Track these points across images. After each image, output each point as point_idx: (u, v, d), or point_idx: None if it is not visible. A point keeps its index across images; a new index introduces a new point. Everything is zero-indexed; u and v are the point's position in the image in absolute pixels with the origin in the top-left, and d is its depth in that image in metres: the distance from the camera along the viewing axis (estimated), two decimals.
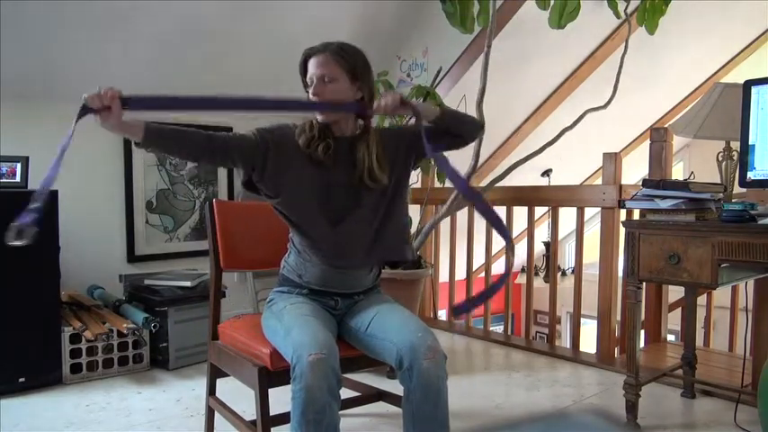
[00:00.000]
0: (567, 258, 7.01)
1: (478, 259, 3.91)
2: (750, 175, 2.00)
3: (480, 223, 3.59)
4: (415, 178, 3.64)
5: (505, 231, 1.57)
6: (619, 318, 3.14)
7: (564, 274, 6.30)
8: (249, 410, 1.82)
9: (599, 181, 3.92)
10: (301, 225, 1.69)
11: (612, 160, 2.98)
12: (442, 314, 4.06)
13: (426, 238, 3.05)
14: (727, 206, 1.93)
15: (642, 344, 2.98)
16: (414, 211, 3.43)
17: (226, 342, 1.87)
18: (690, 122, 2.35)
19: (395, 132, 1.84)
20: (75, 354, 2.69)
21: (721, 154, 2.29)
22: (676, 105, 5.35)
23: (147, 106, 1.53)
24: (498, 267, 4.55)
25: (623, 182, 2.97)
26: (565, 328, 6.85)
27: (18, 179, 2.67)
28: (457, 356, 3.20)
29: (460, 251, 3.76)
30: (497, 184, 3.10)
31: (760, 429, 1.84)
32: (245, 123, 3.84)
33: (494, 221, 1.55)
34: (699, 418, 2.34)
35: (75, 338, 2.68)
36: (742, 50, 4.98)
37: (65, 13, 2.73)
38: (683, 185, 1.99)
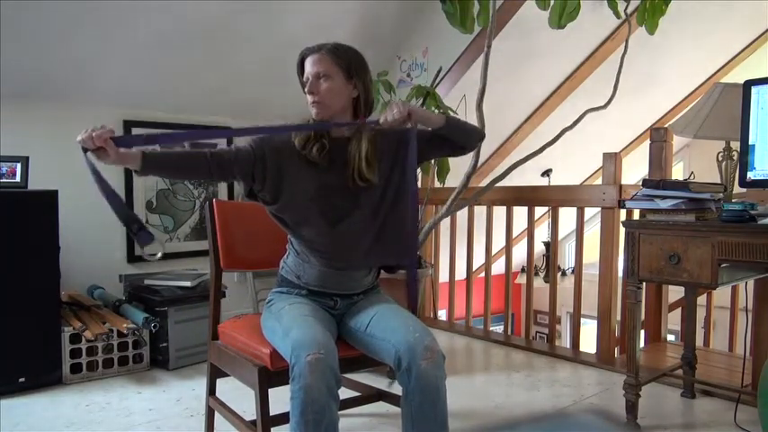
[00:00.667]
0: (566, 258, 7.02)
1: (478, 259, 3.91)
2: (750, 175, 2.00)
3: (480, 223, 3.59)
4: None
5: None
6: (619, 318, 3.14)
7: (564, 274, 6.29)
8: (249, 410, 1.82)
9: (599, 181, 3.93)
10: (299, 227, 1.69)
11: (612, 160, 2.97)
12: (443, 314, 4.06)
13: (426, 238, 3.05)
14: (727, 206, 1.93)
15: (642, 344, 2.98)
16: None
17: (226, 342, 1.87)
18: (690, 122, 2.35)
19: (393, 132, 1.83)
20: (75, 354, 2.69)
21: (721, 154, 2.29)
22: (676, 105, 5.36)
23: (137, 143, 1.55)
24: (498, 267, 4.54)
25: (623, 182, 2.97)
26: (565, 328, 6.86)
27: (18, 179, 2.67)
28: (457, 356, 3.20)
29: (460, 251, 3.76)
30: (497, 184, 3.10)
31: (760, 429, 1.84)
32: (243, 123, 3.85)
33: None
34: (699, 418, 2.34)
35: (75, 338, 2.68)
36: (742, 50, 4.98)
37: (65, 13, 2.73)
38: (683, 185, 1.99)
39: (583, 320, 3.25)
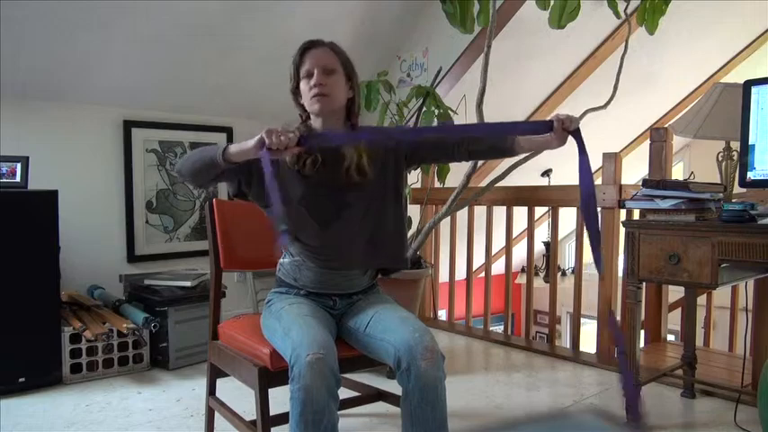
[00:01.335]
0: (566, 258, 7.02)
1: (478, 259, 3.92)
2: (750, 175, 2.00)
3: (480, 223, 3.59)
4: (416, 178, 3.64)
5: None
6: (619, 318, 3.14)
7: (564, 274, 6.30)
8: (249, 410, 1.82)
9: (599, 181, 3.91)
10: (293, 231, 1.68)
11: (612, 160, 2.98)
12: (443, 314, 4.06)
13: (426, 238, 3.05)
14: (727, 206, 1.93)
15: (642, 344, 2.98)
16: (414, 211, 3.44)
17: (226, 342, 1.87)
18: (690, 122, 2.35)
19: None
20: (76, 354, 2.69)
21: (721, 154, 2.29)
22: (676, 105, 5.36)
23: (317, 142, 1.58)
24: (498, 267, 4.54)
25: (623, 182, 2.98)
26: (565, 328, 6.86)
27: (18, 179, 2.67)
28: (457, 356, 3.20)
29: (460, 251, 3.76)
30: (497, 184, 3.10)
31: (760, 429, 1.84)
32: (243, 123, 3.86)
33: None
34: (699, 418, 2.34)
35: (75, 338, 2.68)
36: (742, 50, 4.99)
37: (65, 13, 2.73)
38: (683, 185, 1.99)
39: (583, 320, 3.25)
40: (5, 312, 2.50)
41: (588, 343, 3.25)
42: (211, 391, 1.98)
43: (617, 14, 2.79)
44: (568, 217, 3.45)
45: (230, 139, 3.76)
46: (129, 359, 2.84)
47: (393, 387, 1.71)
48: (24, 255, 2.56)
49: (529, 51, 3.79)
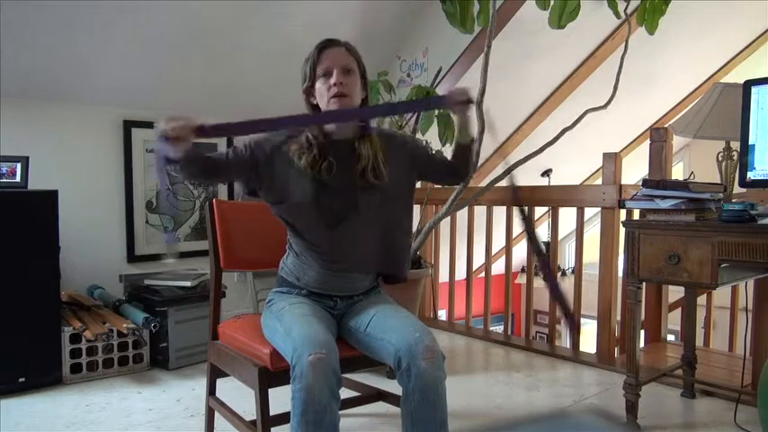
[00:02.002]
0: (566, 258, 7.02)
1: (478, 259, 3.91)
2: (750, 175, 2.00)
3: (480, 223, 3.59)
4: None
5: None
6: (619, 318, 3.14)
7: (564, 274, 6.30)
8: (249, 410, 1.82)
9: (599, 181, 3.92)
10: (300, 229, 1.68)
11: (612, 160, 2.98)
12: (443, 314, 4.06)
13: (426, 238, 3.05)
14: (727, 206, 1.93)
15: (642, 344, 2.98)
16: (414, 212, 3.44)
17: (226, 342, 1.87)
18: (690, 122, 2.35)
19: (398, 141, 1.81)
20: (75, 354, 2.69)
21: (721, 154, 2.29)
22: (676, 105, 5.36)
23: (219, 132, 1.56)
24: (498, 267, 4.54)
25: (623, 182, 2.97)
26: (565, 328, 6.85)
27: (18, 179, 2.67)
28: (457, 356, 3.20)
29: (460, 251, 3.76)
30: (497, 184, 3.09)
31: (760, 429, 1.84)
32: None
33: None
34: (699, 418, 2.34)
35: (75, 338, 2.68)
36: (742, 50, 4.99)
37: (65, 13, 2.73)
38: (683, 185, 1.99)
39: (583, 320, 3.25)
40: (5, 312, 2.50)
41: (588, 343, 3.25)
42: (211, 391, 1.98)
43: (617, 14, 2.79)
44: (568, 217, 3.45)
45: (230, 139, 3.75)
46: (129, 359, 2.83)
47: (393, 387, 1.71)
48: (24, 255, 2.56)
49: (529, 51, 3.79)
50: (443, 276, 3.96)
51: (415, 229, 3.21)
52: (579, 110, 2.98)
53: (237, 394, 2.03)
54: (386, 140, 1.74)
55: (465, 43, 3.49)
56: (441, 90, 3.26)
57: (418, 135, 2.98)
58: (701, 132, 2.29)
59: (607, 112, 2.99)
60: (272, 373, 1.62)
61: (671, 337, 3.56)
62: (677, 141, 4.07)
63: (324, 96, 1.64)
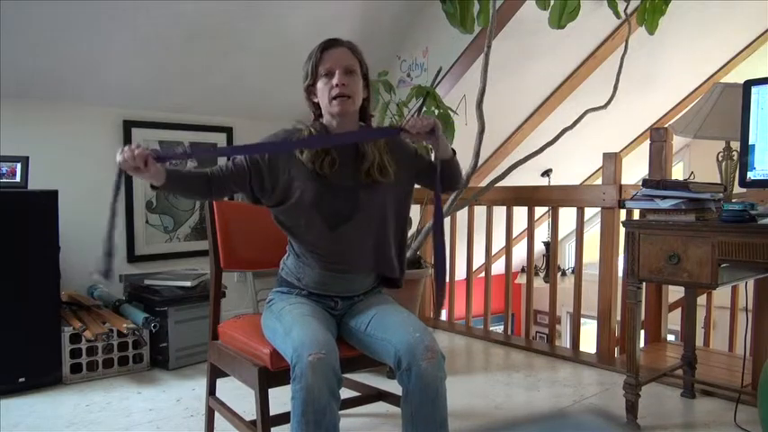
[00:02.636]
0: (566, 258, 7.02)
1: (478, 259, 3.91)
2: (750, 175, 2.00)
3: (480, 223, 3.59)
4: None
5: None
6: (619, 318, 3.14)
7: (564, 274, 6.30)
8: (249, 410, 1.82)
9: (599, 181, 3.92)
10: (300, 230, 1.68)
11: (612, 160, 2.97)
12: (443, 314, 4.06)
13: (426, 238, 3.05)
14: (727, 206, 1.93)
15: (642, 344, 2.98)
16: (414, 212, 3.43)
17: (226, 342, 1.87)
18: (690, 122, 2.35)
19: (398, 144, 1.80)
20: (76, 354, 2.69)
21: (721, 154, 2.29)
22: (676, 105, 5.36)
23: (175, 157, 1.55)
24: (498, 267, 4.54)
25: (623, 182, 2.97)
26: (565, 328, 6.86)
27: (18, 179, 2.67)
28: (457, 356, 3.20)
29: (460, 251, 3.76)
30: (497, 184, 3.10)
31: (760, 429, 1.84)
32: (243, 123, 3.86)
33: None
34: (699, 418, 2.34)
35: (76, 338, 2.68)
36: (742, 50, 4.98)
37: (65, 13, 2.73)
38: (683, 185, 1.99)
39: (583, 320, 3.25)
40: (5, 312, 2.50)
41: (588, 343, 3.25)
42: (211, 391, 1.98)
43: (617, 14, 2.80)
44: (568, 217, 3.45)
45: (230, 140, 3.76)
46: (129, 359, 2.83)
47: (393, 387, 1.71)
48: (24, 255, 2.56)
49: (529, 51, 3.79)
50: None
51: (415, 229, 3.21)
52: (579, 110, 2.98)
53: (237, 394, 2.03)
54: (389, 140, 1.74)
55: (465, 43, 3.49)
56: (441, 90, 3.26)
57: None
58: (701, 132, 2.29)
59: (607, 112, 2.99)
60: (272, 373, 1.62)
61: (671, 337, 3.56)
62: (677, 141, 4.07)
63: (325, 96, 1.63)
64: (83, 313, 2.89)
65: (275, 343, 1.61)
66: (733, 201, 2.15)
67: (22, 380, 2.54)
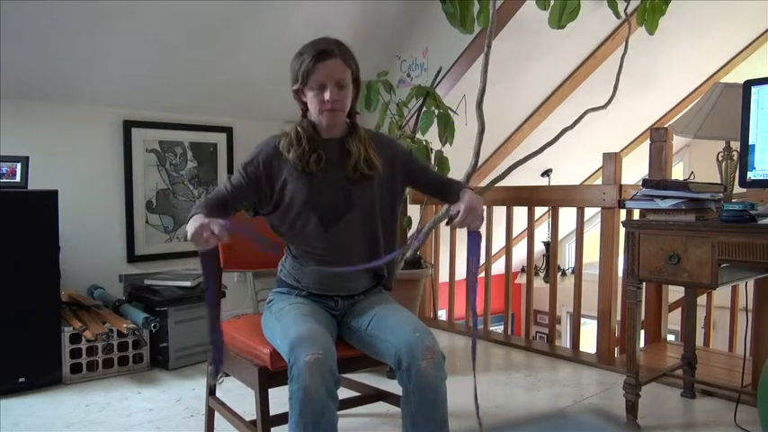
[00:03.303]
0: (566, 258, 7.01)
1: None
2: (750, 175, 2.00)
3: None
4: None
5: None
6: (619, 318, 3.14)
7: (564, 274, 6.30)
8: (249, 410, 1.82)
9: (599, 181, 3.93)
10: (296, 232, 1.68)
11: (612, 160, 2.98)
12: (443, 314, 4.06)
13: (426, 237, 3.05)
14: (727, 206, 1.93)
15: (642, 344, 2.98)
16: (414, 211, 3.44)
17: (226, 342, 1.87)
18: (690, 122, 2.35)
19: (385, 140, 1.82)
20: (75, 354, 2.69)
21: (721, 154, 2.29)
22: (676, 105, 5.36)
23: (245, 231, 1.59)
24: (498, 267, 4.55)
25: (623, 182, 2.97)
26: (565, 328, 6.85)
27: (18, 179, 2.67)
28: (457, 356, 3.19)
29: (461, 251, 3.75)
30: (497, 184, 3.10)
31: (760, 429, 1.84)
32: (243, 123, 3.86)
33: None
34: (699, 418, 2.34)
35: (76, 338, 2.68)
36: (742, 50, 4.98)
37: (65, 12, 2.73)
38: (683, 185, 1.99)
39: (583, 320, 3.25)
40: (5, 312, 2.49)
41: (588, 343, 3.25)
42: (211, 391, 1.98)
43: (617, 14, 2.79)
44: (568, 217, 3.45)
45: (230, 139, 3.76)
46: (129, 359, 2.83)
47: (393, 387, 1.71)
48: (24, 255, 2.56)
49: (529, 51, 3.79)
50: (443, 276, 3.96)
51: (414, 229, 3.22)
52: (579, 110, 2.98)
53: (237, 394, 2.03)
54: (373, 137, 1.76)
55: (465, 43, 3.49)
56: (441, 90, 3.26)
57: (418, 135, 2.98)
58: (701, 132, 2.29)
59: (607, 112, 2.99)
60: (272, 373, 1.62)
61: (671, 337, 3.56)
62: (677, 141, 4.07)
63: (315, 106, 1.63)
64: (83, 313, 2.89)
65: (274, 343, 1.61)
66: (733, 201, 2.15)
67: (22, 380, 2.54)
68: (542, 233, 5.82)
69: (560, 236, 4.61)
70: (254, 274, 3.35)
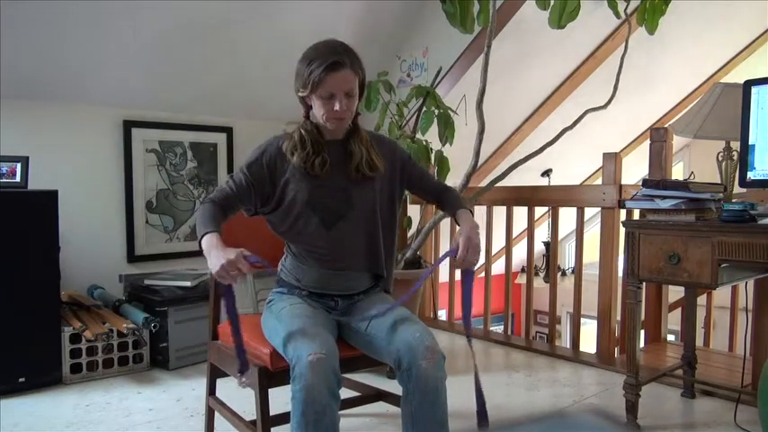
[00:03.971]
0: (566, 258, 7.02)
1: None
2: (750, 175, 2.01)
3: (480, 223, 3.58)
4: None
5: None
6: (619, 318, 3.14)
7: (564, 274, 6.30)
8: (249, 410, 1.82)
9: (599, 181, 3.93)
10: (297, 231, 1.68)
11: (612, 160, 2.97)
12: (442, 314, 4.06)
13: (426, 237, 3.05)
14: (727, 206, 1.93)
15: (642, 344, 2.98)
16: (414, 211, 3.44)
17: (226, 342, 1.87)
18: (690, 122, 2.35)
19: (386, 142, 1.82)
20: (76, 354, 2.69)
21: (721, 154, 2.29)
22: (676, 105, 5.36)
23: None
24: (498, 267, 4.54)
25: (623, 182, 2.97)
26: (565, 328, 6.86)
27: (18, 179, 2.67)
28: (457, 356, 3.19)
29: None
30: (497, 184, 3.10)
31: (760, 429, 1.84)
32: (243, 123, 3.86)
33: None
34: (699, 418, 2.34)
35: (76, 338, 2.68)
36: (742, 50, 4.98)
37: (65, 12, 2.73)
38: (683, 185, 1.99)
39: (583, 320, 3.25)
40: (6, 312, 2.49)
41: (588, 343, 3.25)
42: (211, 391, 1.98)
43: (617, 14, 2.79)
44: (568, 217, 3.45)
45: (230, 139, 3.76)
46: (129, 359, 2.83)
47: (393, 387, 1.71)
48: (24, 255, 2.56)
49: (529, 51, 3.79)
50: (443, 276, 3.96)
51: (414, 229, 3.22)
52: (579, 110, 2.98)
53: (237, 394, 2.03)
54: (374, 139, 1.76)
55: (465, 43, 3.49)
56: (441, 90, 3.26)
57: (418, 135, 2.98)
58: (701, 132, 2.29)
59: (607, 112, 2.99)
60: (272, 373, 1.62)
61: (671, 337, 3.56)
62: (677, 141, 4.07)
63: (321, 112, 1.62)
64: (83, 313, 2.89)
65: (275, 343, 1.61)
66: (733, 201, 2.15)
67: (22, 380, 2.54)
68: (542, 233, 5.82)
69: (560, 236, 4.61)
70: (254, 274, 3.35)
